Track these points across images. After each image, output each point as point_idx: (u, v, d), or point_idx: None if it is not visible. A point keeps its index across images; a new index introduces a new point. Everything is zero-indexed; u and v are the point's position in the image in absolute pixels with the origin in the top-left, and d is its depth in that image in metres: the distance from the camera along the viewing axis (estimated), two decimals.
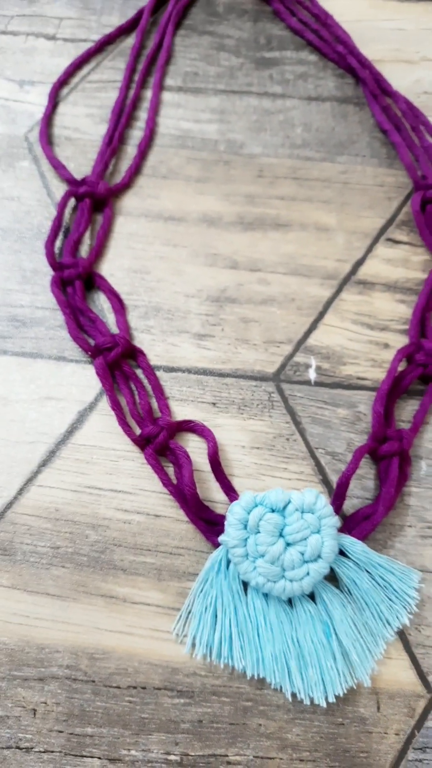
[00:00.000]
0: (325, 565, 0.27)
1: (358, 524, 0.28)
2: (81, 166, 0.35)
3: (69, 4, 0.38)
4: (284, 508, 0.27)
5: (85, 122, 0.36)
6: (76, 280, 0.31)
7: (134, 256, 0.33)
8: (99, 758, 0.26)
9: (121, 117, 0.35)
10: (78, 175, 0.34)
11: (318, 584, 0.27)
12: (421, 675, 0.27)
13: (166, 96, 0.36)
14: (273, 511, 0.27)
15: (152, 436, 0.29)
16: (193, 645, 0.27)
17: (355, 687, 0.26)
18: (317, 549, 0.26)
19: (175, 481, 0.29)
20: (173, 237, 0.33)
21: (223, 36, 0.38)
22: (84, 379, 0.31)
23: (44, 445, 0.30)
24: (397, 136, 0.35)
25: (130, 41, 0.38)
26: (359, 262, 0.33)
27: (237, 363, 0.31)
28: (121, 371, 0.30)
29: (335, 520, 0.27)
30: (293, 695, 0.26)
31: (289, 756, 0.26)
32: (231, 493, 0.28)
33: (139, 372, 0.31)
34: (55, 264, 0.31)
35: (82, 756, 0.26)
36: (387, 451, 0.29)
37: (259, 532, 0.27)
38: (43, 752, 0.26)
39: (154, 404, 0.30)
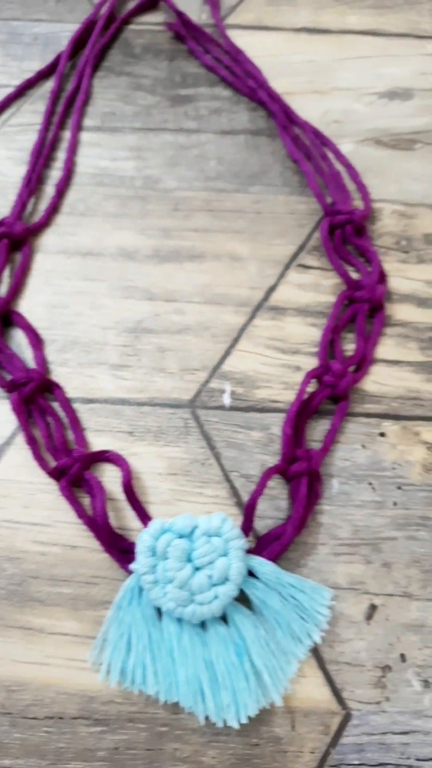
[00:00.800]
0: (233, 587, 0.27)
1: (269, 545, 0.29)
2: (1, 207, 0.36)
3: None
4: (192, 532, 0.27)
5: (5, 164, 0.37)
6: None
7: (53, 292, 0.34)
8: None
9: (40, 158, 0.36)
10: None
11: (229, 606, 0.27)
12: (336, 692, 0.27)
13: (85, 136, 0.38)
14: (181, 536, 0.27)
15: (66, 467, 0.29)
16: (108, 672, 0.27)
17: (268, 707, 0.27)
18: (224, 572, 0.27)
19: (90, 512, 0.29)
20: (91, 272, 0.34)
21: (139, 76, 0.39)
22: (1, 414, 0.31)
23: None
24: (306, 165, 0.36)
25: (50, 85, 0.39)
26: (271, 289, 0.34)
27: (153, 391, 0.32)
28: (37, 405, 0.31)
29: (242, 543, 0.27)
30: (206, 719, 0.27)
31: None
32: (145, 520, 0.29)
33: (56, 405, 0.32)
34: None
35: None
36: (296, 471, 0.29)
37: (167, 557, 0.27)
38: None
39: (70, 436, 0.31)
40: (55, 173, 0.37)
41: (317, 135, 0.37)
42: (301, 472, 0.29)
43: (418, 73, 0.40)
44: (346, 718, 0.27)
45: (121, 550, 0.29)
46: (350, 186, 0.36)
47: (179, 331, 0.33)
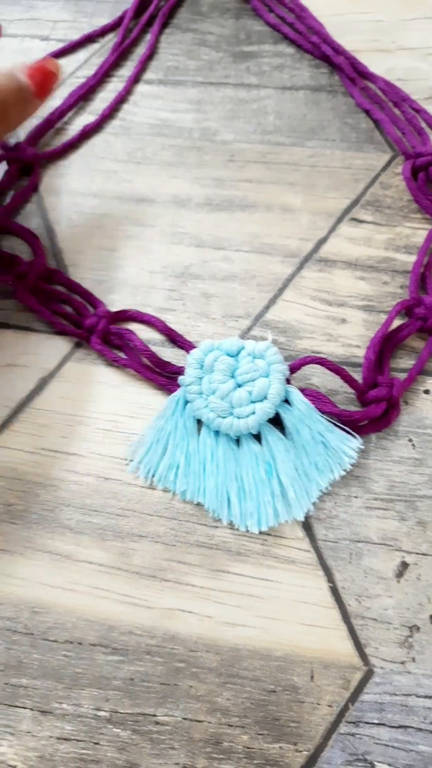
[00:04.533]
0: (270, 405, 0.28)
1: (314, 398, 0.29)
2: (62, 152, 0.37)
3: (63, 9, 0.41)
4: (238, 353, 0.29)
5: (69, 112, 0.38)
6: None
7: (104, 236, 0.34)
8: (31, 709, 0.26)
9: (78, 100, 0.37)
10: None
11: (264, 427, 0.29)
12: (359, 647, 0.26)
13: (147, 88, 0.38)
14: (228, 355, 0.29)
15: (93, 325, 0.31)
16: (139, 468, 0.29)
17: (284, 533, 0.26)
18: (264, 390, 0.28)
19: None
20: (142, 217, 0.35)
21: (205, 33, 0.39)
22: (48, 348, 0.32)
23: (6, 408, 0.31)
24: (379, 114, 0.35)
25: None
26: (322, 241, 0.33)
27: (195, 335, 0.32)
28: (44, 292, 0.32)
29: (283, 368, 0.29)
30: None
31: (218, 720, 0.26)
32: (191, 349, 0.31)
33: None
34: None
35: (15, 706, 0.26)
36: (375, 396, 0.29)
37: (213, 371, 0.29)
38: None
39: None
40: (88, 118, 0.38)
41: (387, 84, 0.36)
42: (381, 397, 0.29)
43: None
44: (368, 675, 0.26)
45: (168, 373, 0.31)
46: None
47: (225, 278, 0.33)
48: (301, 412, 0.29)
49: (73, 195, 0.36)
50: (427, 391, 0.30)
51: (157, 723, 0.26)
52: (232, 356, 0.29)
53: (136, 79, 0.38)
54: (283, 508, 0.28)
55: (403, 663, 0.26)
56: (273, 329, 0.32)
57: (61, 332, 0.32)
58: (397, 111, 0.36)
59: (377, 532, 0.28)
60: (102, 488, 0.29)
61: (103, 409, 0.31)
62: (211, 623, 0.27)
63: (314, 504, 0.28)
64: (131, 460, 0.30)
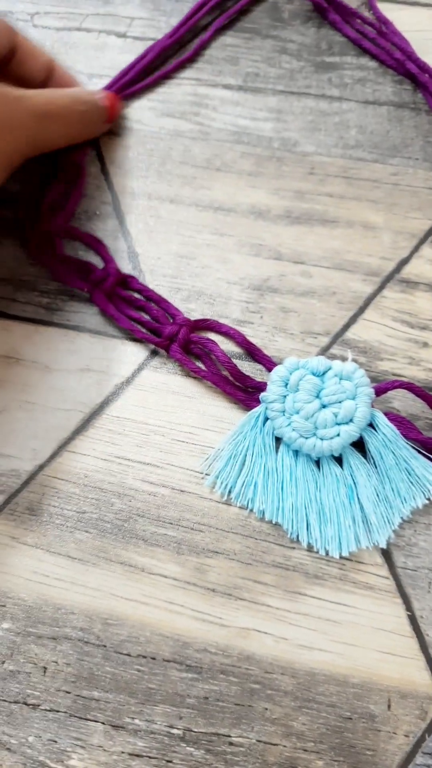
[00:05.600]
0: (355, 429, 0.28)
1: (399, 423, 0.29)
2: (139, 154, 0.36)
3: (141, 6, 0.40)
4: (324, 373, 0.29)
5: (146, 114, 0.37)
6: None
7: (182, 242, 0.34)
8: (102, 723, 0.26)
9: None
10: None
11: (347, 451, 0.28)
12: None
13: (226, 94, 0.37)
14: (314, 374, 0.29)
15: (173, 334, 0.31)
16: (216, 483, 0.29)
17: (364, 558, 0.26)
18: (350, 413, 0.28)
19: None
20: (221, 226, 0.34)
21: (286, 40, 0.39)
22: (123, 355, 0.32)
23: (80, 414, 0.31)
24: None
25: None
26: (404, 261, 0.33)
27: (273, 350, 0.32)
28: (121, 298, 0.32)
29: (370, 391, 0.28)
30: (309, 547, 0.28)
31: (293, 744, 0.26)
32: (271, 365, 0.30)
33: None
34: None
35: (87, 719, 0.26)
36: None
37: (298, 390, 0.28)
38: (49, 711, 0.26)
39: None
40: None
41: None
42: None
43: None
44: None
45: (247, 389, 0.30)
46: None
47: (304, 293, 0.33)
48: (386, 437, 0.28)
49: (149, 198, 0.35)
50: None
51: (231, 744, 0.26)
52: (317, 376, 0.29)
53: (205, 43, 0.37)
54: (364, 534, 0.28)
55: None
56: (353, 349, 0.31)
57: (139, 340, 0.32)
58: None
59: None
60: (177, 500, 0.29)
61: (179, 420, 0.30)
62: (287, 645, 0.27)
63: (394, 531, 0.28)
64: (208, 474, 0.29)
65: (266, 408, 0.29)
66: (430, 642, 0.27)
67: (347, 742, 0.26)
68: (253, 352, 0.31)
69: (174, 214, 0.34)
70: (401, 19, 0.39)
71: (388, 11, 0.39)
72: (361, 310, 0.32)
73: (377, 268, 0.33)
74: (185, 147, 0.36)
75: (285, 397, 0.29)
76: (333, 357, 0.31)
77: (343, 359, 0.31)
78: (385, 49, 0.38)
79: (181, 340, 0.31)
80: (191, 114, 0.37)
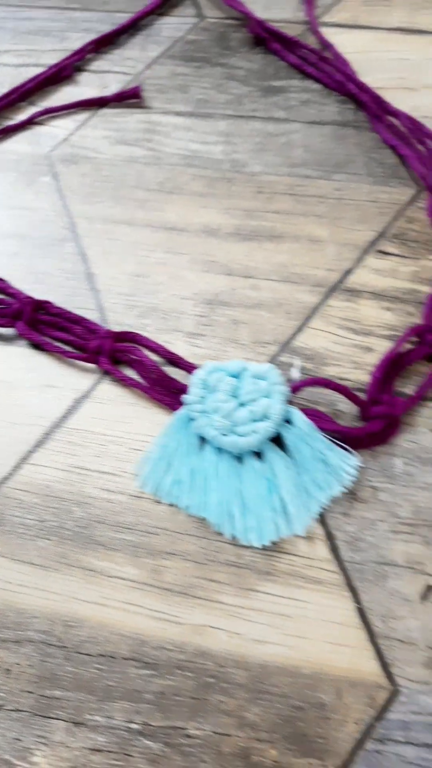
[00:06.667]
0: (271, 424, 0.30)
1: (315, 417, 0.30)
2: (95, 181, 0.38)
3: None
4: (241, 374, 0.31)
5: (102, 143, 0.39)
6: None
7: (137, 262, 0.36)
8: (65, 720, 0.27)
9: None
10: None
11: (266, 446, 0.30)
12: (385, 666, 0.27)
13: (178, 120, 0.39)
14: (231, 376, 0.31)
15: (99, 347, 0.32)
16: (145, 483, 0.30)
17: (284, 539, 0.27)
18: (265, 410, 0.30)
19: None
20: (174, 245, 0.36)
21: (234, 67, 0.41)
22: (82, 370, 0.33)
23: (40, 428, 0.32)
24: (405, 149, 0.37)
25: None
26: (348, 272, 0.35)
27: (225, 360, 0.33)
28: (44, 324, 0.34)
29: (284, 389, 0.30)
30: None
31: (247, 735, 0.27)
32: (192, 369, 0.32)
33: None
34: None
35: (49, 717, 0.27)
36: (376, 413, 0.30)
37: (217, 391, 0.30)
38: (13, 710, 0.27)
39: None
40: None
41: (412, 121, 0.37)
42: (382, 414, 0.30)
43: None
44: (394, 694, 0.27)
45: (173, 391, 0.32)
46: None
47: (254, 305, 0.34)
48: (302, 431, 0.30)
49: (105, 222, 0.37)
50: None
51: (187, 736, 0.27)
52: (235, 377, 0.31)
53: None
54: (284, 523, 0.29)
55: (428, 683, 0.27)
56: (300, 356, 0.33)
57: (69, 358, 0.33)
58: (421, 147, 0.37)
59: (402, 556, 0.29)
60: (134, 506, 0.30)
61: (136, 430, 0.32)
62: (240, 640, 0.28)
63: (339, 526, 0.29)
64: (137, 475, 0.31)
65: (189, 409, 0.31)
66: (378, 633, 0.28)
67: (299, 731, 0.27)
68: (175, 361, 0.33)
69: (129, 236, 0.36)
70: (343, 42, 0.41)
71: (331, 35, 0.42)
72: (308, 319, 0.34)
73: (323, 279, 0.35)
74: (138, 172, 0.38)
75: (205, 398, 0.30)
76: (282, 364, 0.33)
77: (291, 366, 0.33)
78: (327, 72, 0.40)
79: (107, 352, 0.32)
80: (144, 141, 0.39)
